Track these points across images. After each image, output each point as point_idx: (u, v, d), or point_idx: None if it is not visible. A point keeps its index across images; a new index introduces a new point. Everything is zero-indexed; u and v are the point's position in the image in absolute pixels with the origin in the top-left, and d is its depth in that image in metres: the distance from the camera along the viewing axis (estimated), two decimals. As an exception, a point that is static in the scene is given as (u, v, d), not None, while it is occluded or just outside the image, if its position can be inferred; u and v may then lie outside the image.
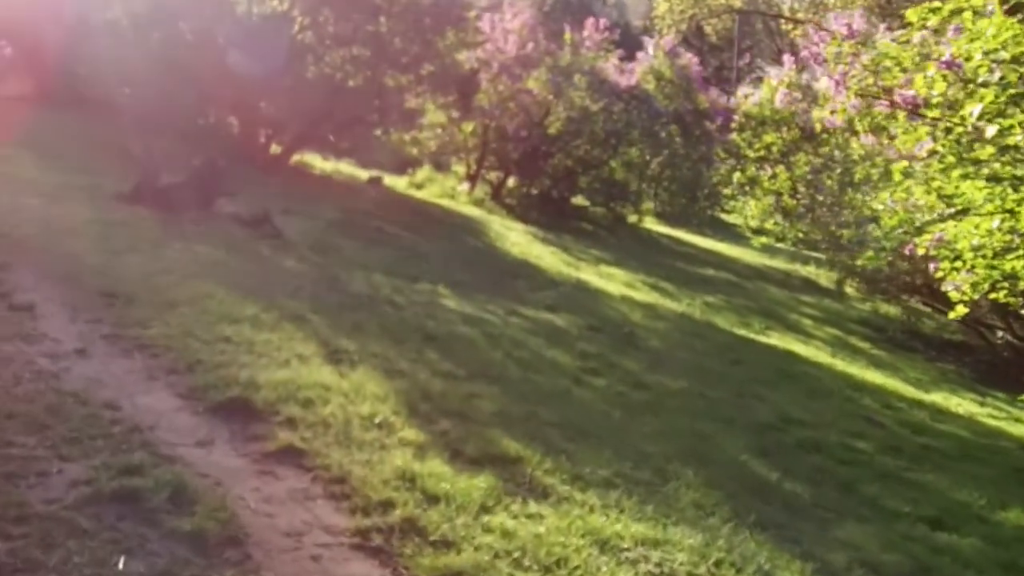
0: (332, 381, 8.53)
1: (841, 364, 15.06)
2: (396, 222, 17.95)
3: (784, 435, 10.40)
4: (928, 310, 20.13)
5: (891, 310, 20.68)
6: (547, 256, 19.11)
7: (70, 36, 20.75)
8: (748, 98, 26.30)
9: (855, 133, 23.15)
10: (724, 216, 34.44)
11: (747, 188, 26.41)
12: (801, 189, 25.27)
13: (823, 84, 25.71)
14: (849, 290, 19.71)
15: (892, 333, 19.26)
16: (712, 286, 20.53)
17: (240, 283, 11.13)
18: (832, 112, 17.20)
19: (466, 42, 21.51)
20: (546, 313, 13.63)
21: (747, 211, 26.31)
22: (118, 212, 13.65)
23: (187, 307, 9.86)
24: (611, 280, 18.30)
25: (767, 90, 25.96)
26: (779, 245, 26.43)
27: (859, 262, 18.46)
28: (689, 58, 26.59)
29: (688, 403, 10.74)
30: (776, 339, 16.19)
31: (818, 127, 24.38)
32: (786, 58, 27.15)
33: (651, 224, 27.96)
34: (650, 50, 26.27)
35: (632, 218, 26.75)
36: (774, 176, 25.63)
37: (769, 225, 26.12)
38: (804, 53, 25.88)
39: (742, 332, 15.89)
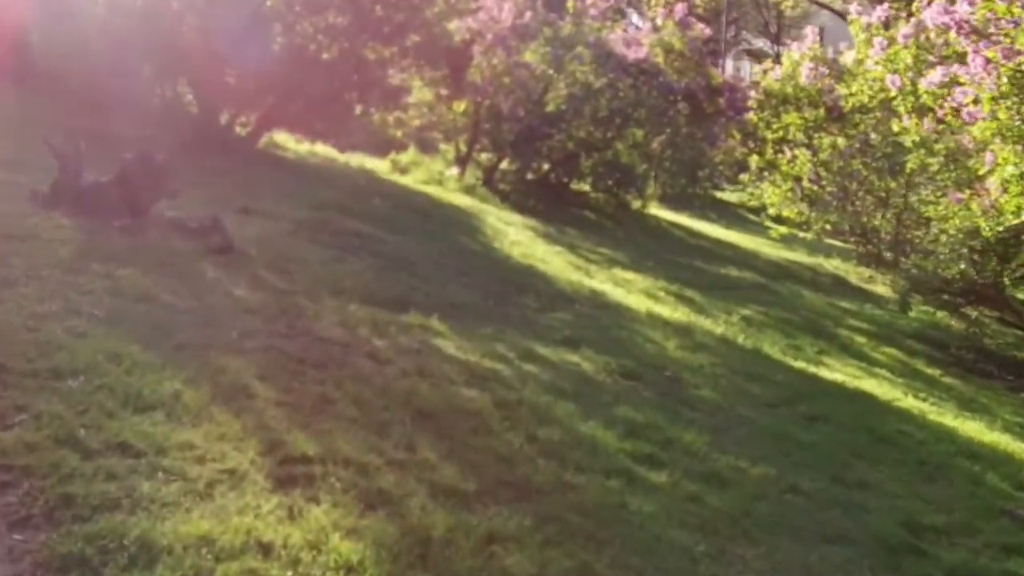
0: (277, 534, 5.26)
1: (928, 408, 11.78)
2: (377, 219, 14.57)
3: (925, 562, 7.14)
4: (990, 322, 16.79)
5: (949, 321, 17.34)
6: (553, 259, 15.79)
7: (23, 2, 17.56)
8: (768, 73, 22.91)
9: (895, 114, 19.86)
10: (725, 196, 31.21)
11: (766, 173, 23.07)
12: (824, 174, 21.98)
13: (849, 57, 22.45)
14: (915, 304, 16.31)
15: (956, 351, 15.97)
16: (741, 291, 17.26)
17: (165, 331, 7.85)
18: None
19: (457, 9, 18.08)
20: (567, 352, 10.36)
21: (765, 198, 22.92)
22: (28, 220, 10.30)
23: (78, 381, 6.60)
24: (630, 289, 15.02)
25: (788, 64, 22.57)
26: (799, 234, 23.13)
27: (940, 270, 15.12)
28: (701, 28, 23.15)
29: (784, 510, 7.48)
30: (839, 370, 12.98)
31: (847, 105, 21.13)
32: (809, 29, 23.79)
33: (655, 210, 24.54)
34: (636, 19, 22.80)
35: (636, 204, 23.34)
36: (794, 159, 22.29)
37: (789, 213, 22.80)
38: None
39: (799, 365, 12.62)
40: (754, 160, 23.33)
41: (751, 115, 22.95)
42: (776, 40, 62.53)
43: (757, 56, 57.71)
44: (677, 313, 14.02)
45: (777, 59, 59.85)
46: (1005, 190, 14.15)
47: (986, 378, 15.01)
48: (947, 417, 11.62)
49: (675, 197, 25.99)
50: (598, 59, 20.59)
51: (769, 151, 22.86)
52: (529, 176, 21.45)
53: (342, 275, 11.03)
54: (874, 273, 21.56)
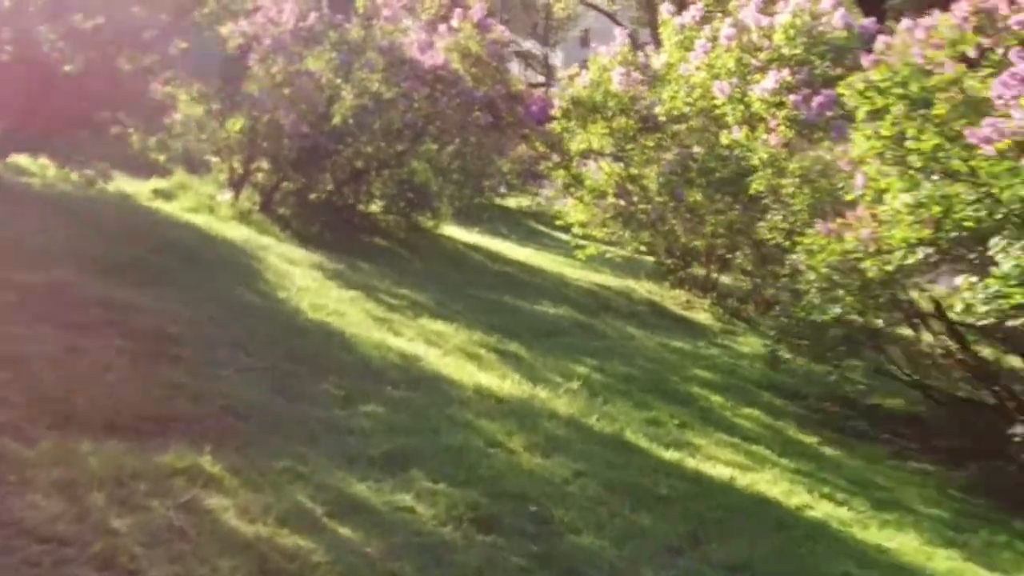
0: None
1: (847, 517, 8.91)
2: (124, 271, 10.91)
3: None
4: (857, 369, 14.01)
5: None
6: (350, 310, 12.43)
7: None
8: (574, 79, 19.88)
9: (722, 124, 17.14)
10: (512, 203, 28.22)
11: (572, 188, 20.07)
12: (633, 189, 19.11)
13: (660, 61, 19.66)
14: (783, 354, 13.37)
15: (817, 403, 13.19)
16: (566, 338, 14.20)
17: None
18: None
19: (231, 10, 14.42)
20: (394, 488, 7.14)
21: (571, 216, 19.92)
22: None
23: None
24: (445, 347, 11.81)
25: (596, 70, 19.59)
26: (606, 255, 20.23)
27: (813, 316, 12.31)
28: (501, 31, 19.94)
29: None
30: (715, 455, 10.05)
31: (663, 113, 18.33)
32: (618, 32, 20.88)
33: (449, 229, 21.19)
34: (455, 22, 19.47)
35: (428, 224, 19.98)
36: (610, 174, 19.37)
37: (598, 232, 19.86)
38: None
39: (672, 456, 9.63)
40: (559, 175, 20.28)
41: (555, 125, 19.86)
42: (545, 42, 60.10)
43: (526, 58, 55.11)
44: (508, 383, 10.84)
45: (545, 62, 57.65)
46: (894, 222, 11.41)
47: (862, 439, 12.26)
48: (872, 530, 8.73)
49: (464, 210, 22.72)
50: (391, 66, 17.18)
51: (575, 164, 19.86)
52: (313, 197, 17.85)
53: (75, 380, 7.46)
54: (691, 297, 18.78)
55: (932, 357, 13.43)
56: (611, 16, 51.60)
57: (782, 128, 16.57)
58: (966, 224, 11.00)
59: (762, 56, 17.96)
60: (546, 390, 10.96)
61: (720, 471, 9.45)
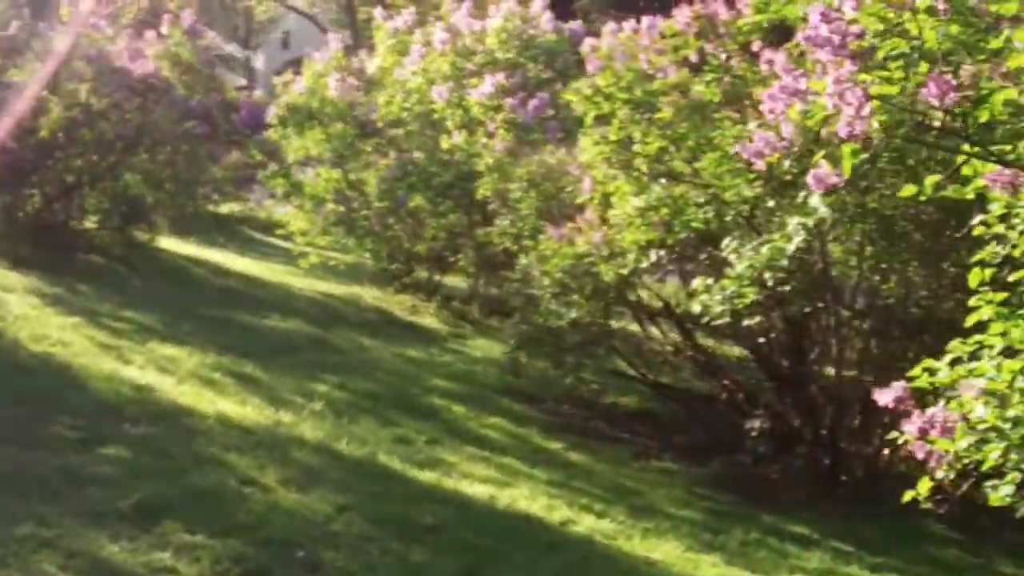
0: None
1: (608, 529, 8.78)
2: None
3: None
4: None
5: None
6: (74, 339, 11.64)
7: None
8: (289, 86, 19.27)
9: (443, 130, 16.95)
10: (226, 210, 27.22)
11: (292, 197, 19.46)
12: (353, 195, 18.70)
13: (374, 66, 19.30)
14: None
15: (556, 407, 13.10)
16: (302, 354, 13.68)
17: None
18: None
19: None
20: (151, 546, 6.66)
21: (292, 225, 19.32)
22: None
23: None
24: (180, 374, 11.22)
25: (310, 76, 19.04)
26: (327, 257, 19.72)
27: (550, 321, 12.21)
28: (213, 37, 19.15)
29: None
30: (471, 473, 9.84)
31: (381, 119, 18.00)
32: (331, 36, 20.39)
33: (166, 242, 20.18)
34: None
35: (145, 238, 18.95)
36: (329, 180, 18.86)
37: (321, 240, 19.32)
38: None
39: (428, 477, 9.35)
40: (278, 183, 19.63)
41: (271, 132, 19.21)
42: (246, 45, 58.74)
43: (228, 62, 53.71)
44: (250, 409, 10.35)
45: (247, 65, 56.31)
46: (625, 225, 11.40)
47: (603, 441, 12.24)
48: (636, 541, 8.63)
49: (178, 220, 21.69)
50: (99, 75, 16.14)
51: (293, 171, 19.27)
52: (21, 215, 16.67)
53: None
54: (416, 302, 18.45)
55: (663, 354, 13.55)
56: (312, 18, 50.83)
57: (501, 131, 16.46)
58: (695, 226, 11.08)
59: (476, 60, 17.81)
60: (290, 414, 10.50)
61: (479, 490, 9.19)
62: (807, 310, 11.08)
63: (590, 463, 11.22)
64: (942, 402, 5.81)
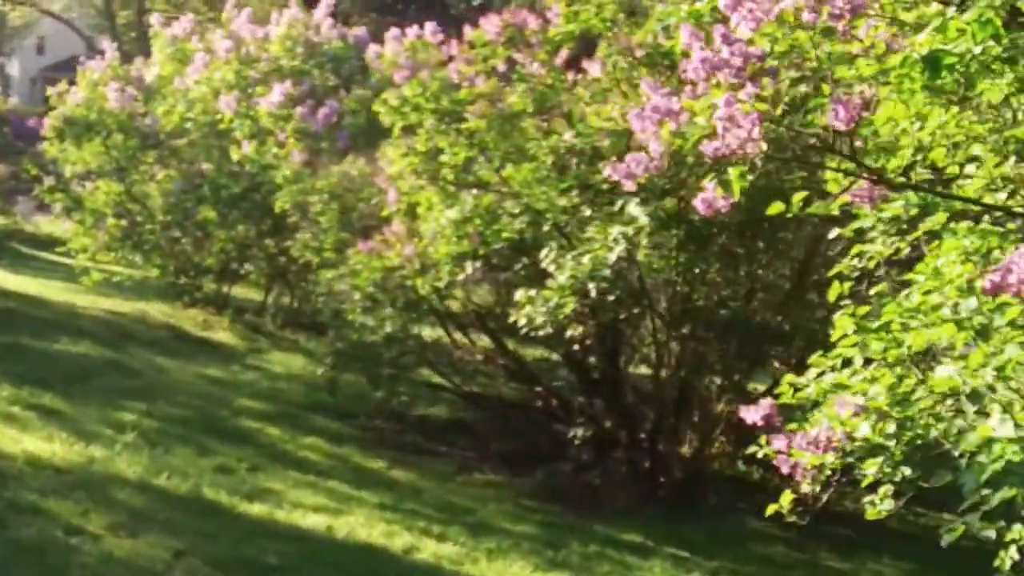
0: None
1: (455, 552, 8.46)
2: None
3: None
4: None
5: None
6: None
7: None
8: (64, 97, 18.21)
9: (232, 140, 16.33)
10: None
11: (72, 212, 18.42)
12: (136, 209, 17.86)
13: (151, 75, 18.47)
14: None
15: (369, 422, 12.68)
16: (101, 379, 12.96)
17: None
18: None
19: None
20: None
21: (73, 242, 18.28)
22: None
23: None
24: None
25: (86, 86, 18.06)
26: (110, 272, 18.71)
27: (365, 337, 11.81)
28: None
29: None
30: (301, 502, 9.39)
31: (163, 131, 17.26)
32: (107, 44, 19.40)
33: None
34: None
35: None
36: (109, 194, 17.92)
37: (104, 257, 18.35)
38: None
39: (259, 510, 8.89)
40: (57, 199, 18.53)
41: (47, 146, 18.15)
42: (-1, 51, 55.94)
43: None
44: (59, 446, 9.69)
45: (1, 72, 53.59)
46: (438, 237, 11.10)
47: (423, 455, 11.92)
48: (483, 564, 8.35)
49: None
50: None
51: (73, 186, 18.24)
52: None
53: None
54: (207, 316, 17.70)
55: (473, 363, 13.28)
56: (69, 23, 48.56)
57: (291, 140, 15.93)
58: (508, 236, 10.85)
59: (261, 68, 17.19)
60: (101, 448, 9.88)
61: (314, 521, 8.79)
62: (623, 316, 10.97)
63: (415, 480, 10.90)
64: (824, 422, 5.68)
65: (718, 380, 11.68)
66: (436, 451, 12.18)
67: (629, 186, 5.70)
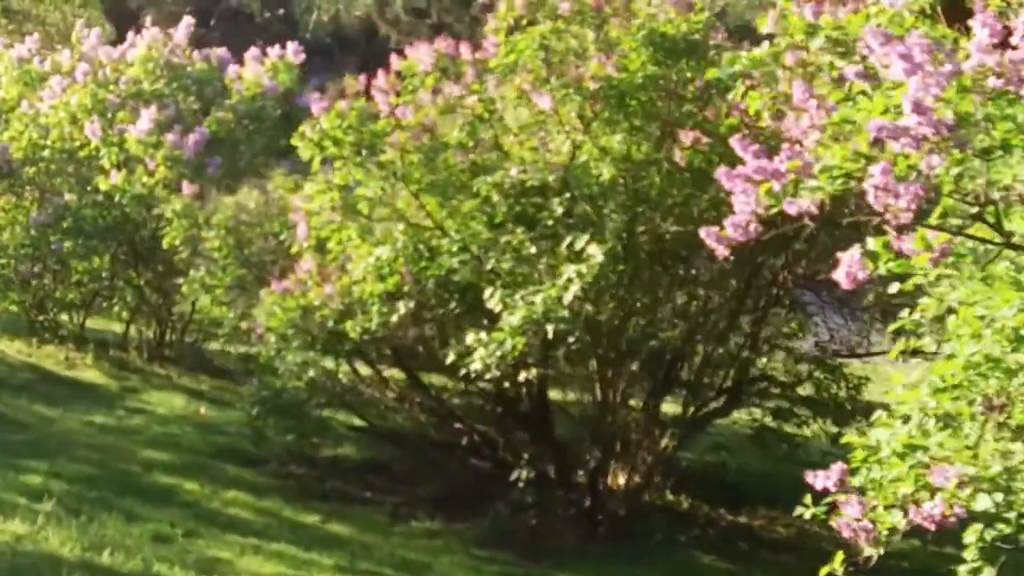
0: None
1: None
2: None
3: None
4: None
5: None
6: None
7: None
8: None
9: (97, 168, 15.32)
10: None
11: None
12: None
13: None
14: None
15: (281, 468, 11.85)
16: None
17: None
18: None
19: None
20: None
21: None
22: None
23: None
24: None
25: None
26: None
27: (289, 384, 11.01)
28: None
29: None
30: (251, 567, 8.58)
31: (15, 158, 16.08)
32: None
33: None
34: None
35: None
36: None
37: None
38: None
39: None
40: None
41: None
42: None
43: None
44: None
45: None
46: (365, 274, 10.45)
47: (351, 503, 11.21)
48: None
49: None
50: None
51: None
52: None
53: None
54: (68, 353, 16.40)
55: (384, 399, 12.50)
56: None
57: (161, 168, 14.96)
58: (440, 274, 10.25)
59: (122, 91, 16.08)
60: (22, 522, 8.89)
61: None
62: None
63: (355, 534, 10.24)
64: (939, 496, 5.31)
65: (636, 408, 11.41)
66: (362, 498, 11.44)
67: (721, 252, 5.21)
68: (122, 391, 15.05)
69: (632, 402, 11.25)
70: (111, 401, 14.37)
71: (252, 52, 17.24)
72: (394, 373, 12.24)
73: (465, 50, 10.14)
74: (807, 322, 12.03)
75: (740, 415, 11.75)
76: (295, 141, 10.92)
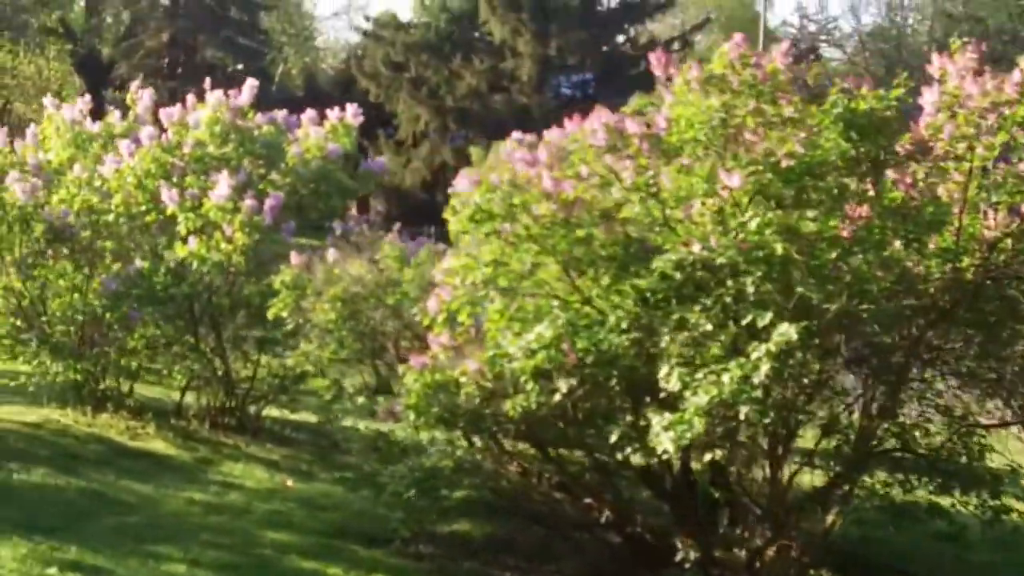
0: None
1: None
2: None
3: None
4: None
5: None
6: None
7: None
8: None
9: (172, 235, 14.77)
10: None
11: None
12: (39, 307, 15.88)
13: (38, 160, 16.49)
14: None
15: (404, 548, 11.32)
16: (98, 518, 11.33)
17: None
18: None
19: None
20: None
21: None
22: None
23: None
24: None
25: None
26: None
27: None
28: None
29: None
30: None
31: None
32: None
33: None
34: None
35: None
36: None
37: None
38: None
39: None
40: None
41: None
42: None
43: None
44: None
45: None
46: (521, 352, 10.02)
47: None
48: None
49: None
50: None
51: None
52: None
53: None
54: (129, 423, 15.65)
55: (507, 474, 11.98)
56: None
57: (239, 234, 14.47)
58: (607, 350, 9.83)
59: (188, 155, 15.56)
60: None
61: None
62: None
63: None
64: None
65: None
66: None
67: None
68: (196, 462, 14.48)
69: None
70: (193, 475, 13.79)
71: (309, 114, 16.80)
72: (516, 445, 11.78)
73: (632, 124, 9.77)
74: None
75: (877, 485, 11.39)
76: (447, 215, 10.49)
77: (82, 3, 53.81)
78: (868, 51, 58.75)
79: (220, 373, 15.76)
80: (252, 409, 15.99)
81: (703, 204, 9.59)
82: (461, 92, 41.57)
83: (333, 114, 16.84)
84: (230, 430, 15.79)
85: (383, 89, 42.25)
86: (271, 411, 16.22)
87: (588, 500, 11.47)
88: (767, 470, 10.35)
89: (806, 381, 9.91)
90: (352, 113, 16.99)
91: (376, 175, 17.67)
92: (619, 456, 10.33)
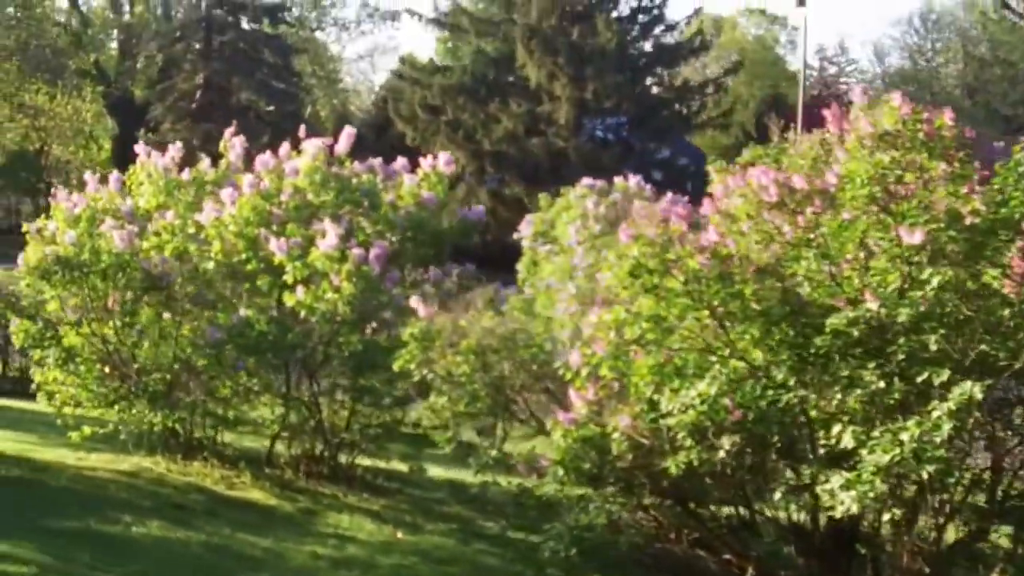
0: None
1: None
2: None
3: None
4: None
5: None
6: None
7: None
8: (42, 232, 15.88)
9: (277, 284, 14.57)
10: None
11: (63, 361, 15.79)
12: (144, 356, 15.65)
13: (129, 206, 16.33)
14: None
15: None
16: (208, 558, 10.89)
17: None
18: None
19: None
20: None
21: (61, 393, 15.82)
22: None
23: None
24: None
25: (71, 222, 15.80)
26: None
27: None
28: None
29: None
30: None
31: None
32: (88, 176, 17.13)
33: None
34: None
35: None
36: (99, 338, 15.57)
37: (91, 409, 15.93)
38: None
39: None
40: (45, 348, 15.92)
41: (24, 287, 15.79)
42: None
43: None
44: None
45: None
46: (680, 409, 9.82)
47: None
48: None
49: None
50: None
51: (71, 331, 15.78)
52: None
53: None
54: (223, 472, 15.42)
55: (647, 530, 11.77)
56: None
57: (346, 283, 14.26)
58: (775, 409, 9.63)
59: (287, 203, 15.38)
60: None
61: None
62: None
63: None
64: None
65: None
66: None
67: None
68: (301, 513, 14.26)
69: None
70: (303, 527, 13.55)
71: (400, 163, 16.64)
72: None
73: (799, 180, 9.60)
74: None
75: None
76: (605, 269, 10.31)
77: (115, 46, 53.89)
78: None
79: (314, 422, 15.53)
80: (343, 458, 15.74)
81: (872, 260, 9.43)
82: (498, 135, 41.60)
83: (426, 163, 16.67)
84: (324, 479, 15.58)
85: (419, 132, 42.26)
86: (363, 460, 15.99)
87: (727, 556, 11.26)
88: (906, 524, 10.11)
89: (977, 434, 9.72)
90: (444, 161, 16.84)
91: (475, 224, 17.39)
92: (769, 512, 10.13)
